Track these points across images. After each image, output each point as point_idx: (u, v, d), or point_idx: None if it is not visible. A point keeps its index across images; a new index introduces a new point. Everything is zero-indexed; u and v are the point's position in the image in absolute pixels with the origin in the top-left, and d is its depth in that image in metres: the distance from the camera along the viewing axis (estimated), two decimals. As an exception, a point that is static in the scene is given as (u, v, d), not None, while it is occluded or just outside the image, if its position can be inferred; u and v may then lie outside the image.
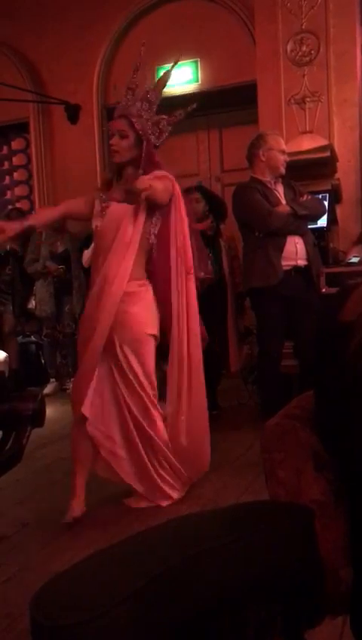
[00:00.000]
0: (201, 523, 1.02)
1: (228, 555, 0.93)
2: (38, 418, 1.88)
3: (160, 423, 2.81)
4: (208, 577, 0.91)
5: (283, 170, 3.77)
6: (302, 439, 1.05)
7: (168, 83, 2.89)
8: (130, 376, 2.76)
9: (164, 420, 2.85)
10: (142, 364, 2.78)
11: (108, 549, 0.96)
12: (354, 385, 0.91)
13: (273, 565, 0.96)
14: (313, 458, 1.03)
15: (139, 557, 0.91)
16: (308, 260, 3.74)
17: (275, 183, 3.82)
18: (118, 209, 2.77)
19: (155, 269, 2.88)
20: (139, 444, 2.78)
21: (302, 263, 3.72)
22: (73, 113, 6.45)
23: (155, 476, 2.81)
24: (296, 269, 3.71)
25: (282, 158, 3.75)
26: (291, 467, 1.04)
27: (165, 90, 2.88)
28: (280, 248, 3.66)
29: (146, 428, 2.77)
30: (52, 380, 5.80)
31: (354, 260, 4.28)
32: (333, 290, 3.41)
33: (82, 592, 0.85)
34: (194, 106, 2.95)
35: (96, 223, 2.82)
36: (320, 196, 4.22)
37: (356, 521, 0.99)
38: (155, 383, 2.86)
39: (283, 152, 3.77)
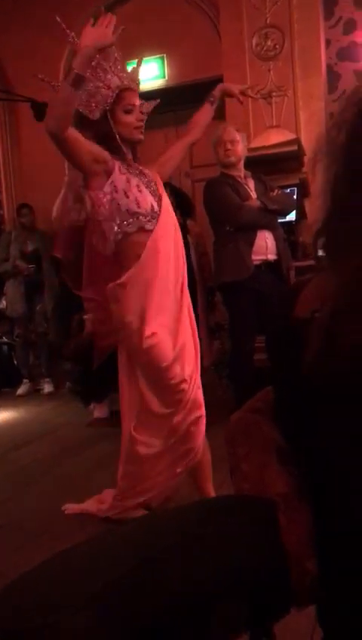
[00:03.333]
0: (166, 521, 1.02)
1: (194, 551, 0.93)
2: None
3: None
4: (174, 574, 0.91)
5: (228, 159, 3.74)
6: (266, 433, 1.05)
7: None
8: None
9: None
10: None
11: (72, 548, 0.95)
12: (311, 395, 0.90)
13: (239, 559, 0.96)
14: (276, 452, 1.03)
15: (103, 557, 0.91)
16: (278, 254, 3.76)
17: (246, 177, 3.83)
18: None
19: None
20: None
21: (272, 257, 3.74)
22: (39, 111, 6.38)
23: None
24: (267, 263, 3.73)
25: (222, 148, 3.73)
26: (255, 461, 1.04)
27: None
28: (251, 243, 3.67)
29: None
30: (25, 380, 5.76)
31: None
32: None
33: (45, 594, 0.84)
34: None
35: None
36: (288, 190, 4.24)
37: (319, 514, 1.00)
38: None
39: (224, 142, 3.72)
